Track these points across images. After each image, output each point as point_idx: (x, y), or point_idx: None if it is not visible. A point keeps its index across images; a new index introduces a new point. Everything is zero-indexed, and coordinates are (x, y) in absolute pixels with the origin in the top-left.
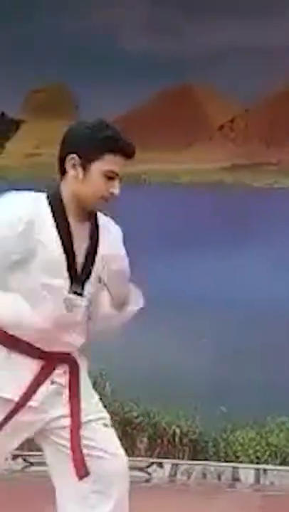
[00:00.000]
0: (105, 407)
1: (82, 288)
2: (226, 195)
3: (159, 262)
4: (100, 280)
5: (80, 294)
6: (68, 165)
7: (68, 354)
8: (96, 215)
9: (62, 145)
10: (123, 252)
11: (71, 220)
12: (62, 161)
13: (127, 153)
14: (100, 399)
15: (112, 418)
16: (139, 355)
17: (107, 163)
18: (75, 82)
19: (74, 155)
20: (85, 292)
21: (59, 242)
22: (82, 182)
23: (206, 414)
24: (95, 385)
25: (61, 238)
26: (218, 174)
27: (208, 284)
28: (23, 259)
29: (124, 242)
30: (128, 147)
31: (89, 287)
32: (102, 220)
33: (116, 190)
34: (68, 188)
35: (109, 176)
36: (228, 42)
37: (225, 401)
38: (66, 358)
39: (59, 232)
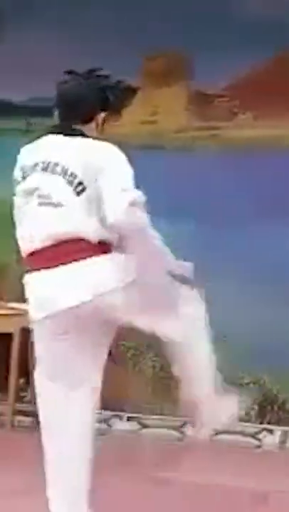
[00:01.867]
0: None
1: None
2: None
3: (265, 230)
4: None
5: None
6: (100, 119)
7: None
8: None
9: (95, 101)
10: None
11: None
12: (91, 114)
13: None
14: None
15: (224, 384)
16: (256, 323)
17: None
18: (190, 48)
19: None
20: None
21: None
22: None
23: None
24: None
25: None
26: None
27: None
28: None
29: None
30: None
31: None
32: None
33: None
34: (91, 135)
35: None
36: None
37: None
38: None
39: None
